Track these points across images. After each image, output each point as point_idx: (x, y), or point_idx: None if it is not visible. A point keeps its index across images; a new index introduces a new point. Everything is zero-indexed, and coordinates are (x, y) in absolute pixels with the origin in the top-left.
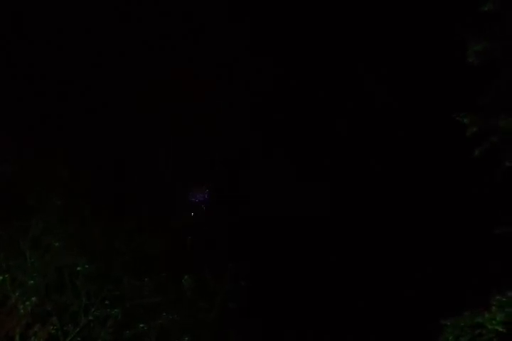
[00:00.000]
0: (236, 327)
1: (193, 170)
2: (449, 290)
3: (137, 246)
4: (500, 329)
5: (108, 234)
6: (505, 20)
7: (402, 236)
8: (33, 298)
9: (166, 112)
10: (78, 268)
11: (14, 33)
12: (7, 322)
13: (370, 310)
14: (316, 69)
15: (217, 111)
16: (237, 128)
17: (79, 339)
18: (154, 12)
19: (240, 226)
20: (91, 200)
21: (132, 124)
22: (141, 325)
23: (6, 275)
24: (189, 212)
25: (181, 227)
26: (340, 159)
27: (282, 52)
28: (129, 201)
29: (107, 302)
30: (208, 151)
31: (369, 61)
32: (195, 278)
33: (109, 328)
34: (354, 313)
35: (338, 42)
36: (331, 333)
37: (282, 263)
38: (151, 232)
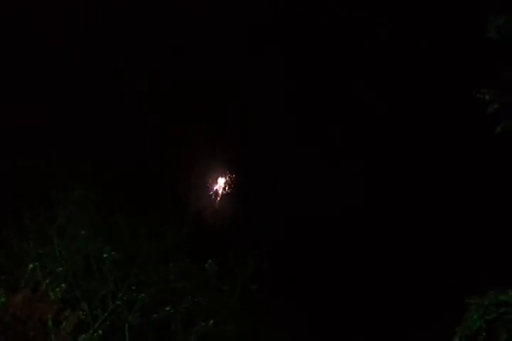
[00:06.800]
0: (258, 309)
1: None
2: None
3: (161, 233)
4: None
5: (132, 223)
6: None
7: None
8: (63, 285)
9: (183, 108)
10: (104, 255)
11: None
12: (39, 307)
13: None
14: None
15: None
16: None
17: (108, 323)
18: None
19: (263, 212)
20: (114, 192)
21: (150, 120)
22: (168, 309)
23: (36, 263)
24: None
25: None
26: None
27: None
28: (150, 191)
29: (133, 287)
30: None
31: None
32: (218, 263)
33: (137, 312)
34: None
35: None
36: (348, 319)
37: (301, 246)
38: (173, 221)
